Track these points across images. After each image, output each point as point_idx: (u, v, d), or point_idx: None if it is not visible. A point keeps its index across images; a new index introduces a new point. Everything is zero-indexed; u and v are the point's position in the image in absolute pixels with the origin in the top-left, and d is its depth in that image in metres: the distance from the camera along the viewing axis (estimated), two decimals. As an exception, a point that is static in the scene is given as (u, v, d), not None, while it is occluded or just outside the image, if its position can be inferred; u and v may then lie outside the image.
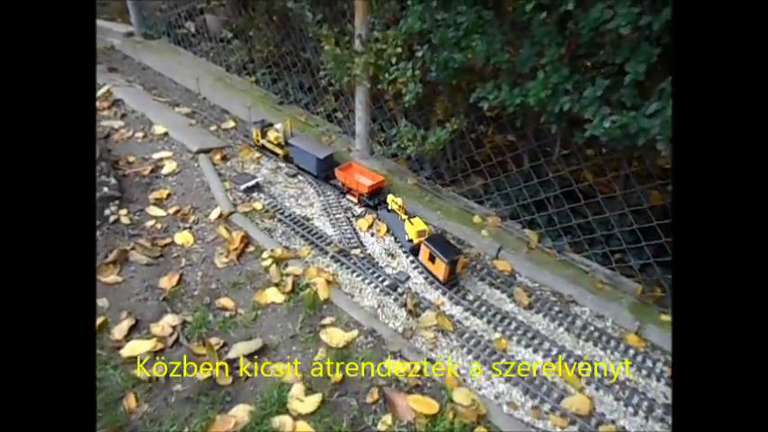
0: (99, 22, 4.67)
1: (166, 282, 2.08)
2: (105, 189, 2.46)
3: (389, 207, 2.46)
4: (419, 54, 1.89)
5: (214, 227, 2.44)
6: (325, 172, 2.78)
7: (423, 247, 2.15)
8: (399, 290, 2.14)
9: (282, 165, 3.00)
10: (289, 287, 2.07)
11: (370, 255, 2.34)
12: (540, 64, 1.69)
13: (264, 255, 2.25)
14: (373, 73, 2.37)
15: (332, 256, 2.30)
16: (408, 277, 2.20)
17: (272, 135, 2.97)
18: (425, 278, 2.21)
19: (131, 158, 2.92)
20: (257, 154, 3.09)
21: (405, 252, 2.35)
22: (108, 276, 2.05)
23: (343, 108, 3.21)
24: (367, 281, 2.18)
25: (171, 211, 2.52)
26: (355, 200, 2.64)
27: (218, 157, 3.01)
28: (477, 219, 2.48)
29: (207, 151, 3.05)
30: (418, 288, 2.17)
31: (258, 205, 2.60)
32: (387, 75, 2.22)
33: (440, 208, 2.57)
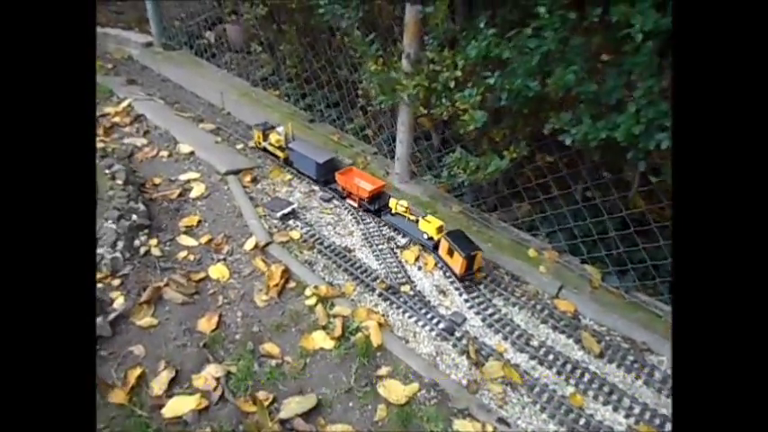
0: (116, 31, 4.53)
1: (205, 324, 1.90)
2: (134, 217, 2.29)
3: (393, 211, 2.45)
4: (490, 81, 1.73)
5: (250, 258, 2.27)
6: (325, 176, 2.74)
7: (443, 241, 2.18)
8: (457, 333, 1.96)
9: (316, 188, 2.83)
10: (338, 331, 1.89)
11: (420, 292, 2.16)
12: (629, 96, 1.53)
13: (307, 292, 2.08)
14: (424, 96, 2.21)
15: (380, 294, 2.13)
16: (465, 319, 2.03)
17: (273, 138, 2.92)
18: (483, 320, 2.04)
19: (157, 180, 2.76)
20: (289, 175, 2.93)
21: (457, 289, 2.18)
22: (142, 319, 1.87)
23: (372, 125, 3.04)
24: (420, 323, 2.00)
25: (203, 240, 2.35)
26: (356, 204, 2.60)
27: (247, 178, 2.84)
28: (532, 252, 2.31)
29: (236, 172, 2.88)
30: (476, 331, 1.99)
31: (295, 234, 2.42)
32: (443, 100, 2.06)
33: (490, 240, 2.40)
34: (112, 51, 4.47)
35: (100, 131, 3.13)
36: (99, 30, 4.53)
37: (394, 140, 2.89)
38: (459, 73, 1.98)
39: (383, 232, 2.51)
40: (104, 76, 3.96)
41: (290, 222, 2.53)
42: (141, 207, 2.38)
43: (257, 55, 3.51)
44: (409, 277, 2.24)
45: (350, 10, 2.10)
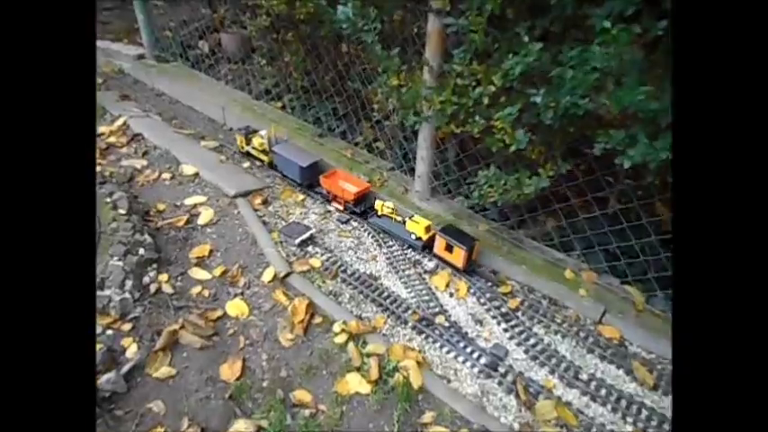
0: (105, 44, 4.32)
1: (228, 371, 1.74)
2: (141, 251, 2.11)
3: (380, 213, 2.46)
4: (536, 99, 1.58)
5: (269, 291, 2.11)
6: (309, 180, 2.75)
7: (438, 238, 2.21)
8: (500, 369, 1.82)
9: (331, 208, 2.67)
10: (374, 373, 1.74)
11: (455, 322, 2.02)
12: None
13: (336, 328, 1.92)
14: (451, 112, 2.06)
15: (413, 327, 1.98)
16: (507, 352, 1.89)
17: (256, 141, 2.89)
18: (525, 352, 1.90)
19: (161, 206, 2.57)
20: (301, 195, 2.76)
21: (494, 318, 2.04)
22: (159, 370, 1.70)
23: (382, 138, 2.89)
24: (461, 358, 1.86)
25: (217, 272, 2.17)
26: (341, 207, 2.60)
27: (258, 200, 2.67)
28: (569, 273, 2.18)
29: (245, 194, 2.71)
30: (521, 365, 1.85)
31: (316, 262, 2.26)
32: (477, 117, 1.91)
33: (524, 261, 2.26)
34: (102, 65, 4.25)
35: (95, 155, 2.93)
36: (86, 42, 4.31)
37: (406, 154, 2.75)
38: (492, 88, 1.84)
39: (408, 256, 2.36)
40: (96, 92, 3.75)
41: (309, 249, 2.36)
42: (148, 239, 2.20)
43: (259, 67, 3.33)
44: (442, 306, 2.09)
45: (370, 22, 1.94)
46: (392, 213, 2.42)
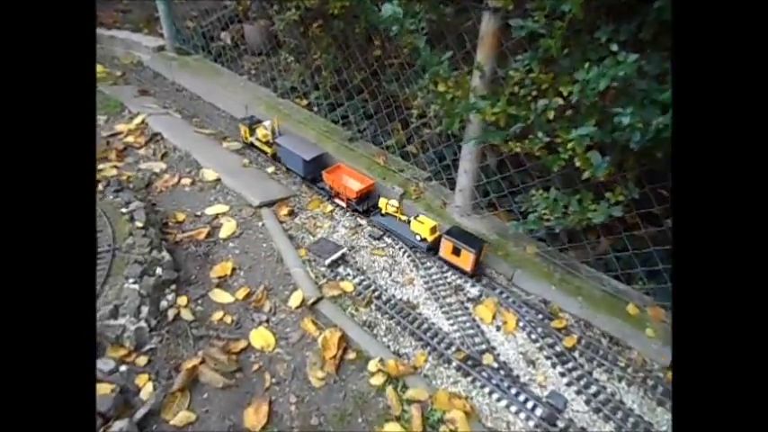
0: (125, 34, 4.14)
1: (253, 417, 1.55)
2: (159, 270, 1.93)
3: (383, 211, 2.37)
4: (623, 119, 1.33)
5: (297, 319, 1.91)
6: (313, 174, 2.63)
7: (444, 241, 2.11)
8: (560, 423, 1.60)
9: (363, 222, 2.45)
10: (416, 424, 1.54)
11: (505, 363, 1.80)
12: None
13: (371, 366, 1.72)
14: (506, 124, 1.82)
15: (458, 367, 1.76)
16: (566, 402, 1.67)
17: (260, 133, 2.82)
18: (587, 402, 1.67)
19: (181, 216, 2.39)
20: (330, 206, 2.55)
21: (548, 358, 1.82)
22: (176, 415, 1.52)
23: (418, 143, 2.65)
24: (513, 408, 1.64)
25: (240, 294, 1.99)
26: (344, 204, 2.49)
27: (284, 211, 2.47)
28: (632, 309, 1.93)
29: (270, 204, 2.51)
30: (582, 419, 1.63)
31: (348, 286, 2.06)
32: (539, 133, 1.67)
33: (579, 291, 2.02)
34: (121, 56, 4.08)
35: (112, 155, 2.76)
36: (105, 32, 4.15)
37: (440, 160, 2.52)
38: (560, 101, 1.59)
39: (448, 279, 2.14)
40: (113, 86, 3.58)
41: (340, 269, 2.15)
42: (166, 256, 2.02)
43: (286, 63, 3.10)
44: (489, 341, 1.87)
45: (417, 22, 1.69)
46: (396, 212, 2.32)
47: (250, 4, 4.22)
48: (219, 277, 2.06)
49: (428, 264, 2.21)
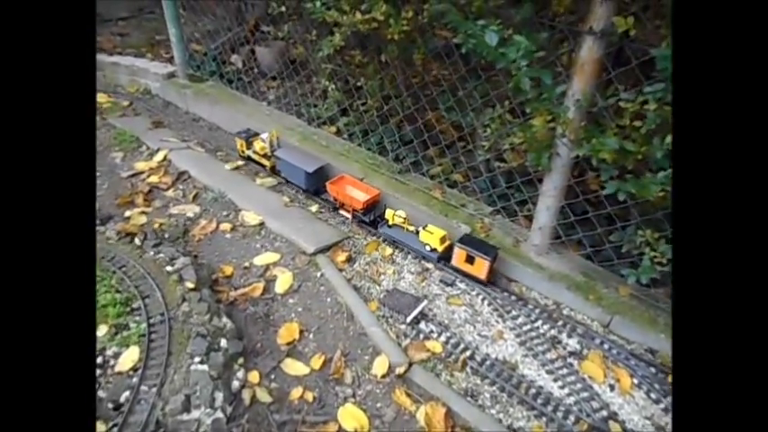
0: (128, 60, 3.84)
1: None
2: (223, 343, 1.66)
3: (390, 222, 2.30)
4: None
5: (387, 390, 1.67)
6: (315, 186, 2.58)
7: (457, 250, 2.07)
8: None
9: (429, 265, 2.23)
10: None
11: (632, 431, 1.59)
12: None
13: (487, 448, 1.49)
14: (613, 161, 1.64)
15: (583, 441, 1.55)
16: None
17: (257, 146, 2.75)
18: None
19: (228, 269, 2.13)
20: (388, 249, 2.32)
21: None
22: None
23: (477, 174, 2.45)
24: (659, 490, 1.43)
25: (315, 363, 1.74)
26: (349, 216, 2.43)
27: (341, 257, 2.23)
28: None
29: (325, 249, 2.26)
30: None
31: (436, 346, 1.83)
32: (662, 175, 1.48)
33: (690, 338, 1.83)
34: (125, 84, 3.78)
35: (138, 199, 2.48)
36: (106, 58, 3.85)
37: (492, 186, 2.32)
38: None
39: (539, 329, 1.93)
40: (123, 118, 3.29)
41: (421, 325, 1.92)
42: (228, 323, 1.75)
43: (323, 89, 2.87)
44: (608, 405, 1.66)
45: (516, 52, 1.50)
46: (404, 223, 2.26)
47: (257, 24, 4.00)
48: (288, 343, 1.81)
49: (513, 311, 2.00)
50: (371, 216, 2.38)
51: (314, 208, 2.56)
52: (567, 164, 1.89)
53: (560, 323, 1.96)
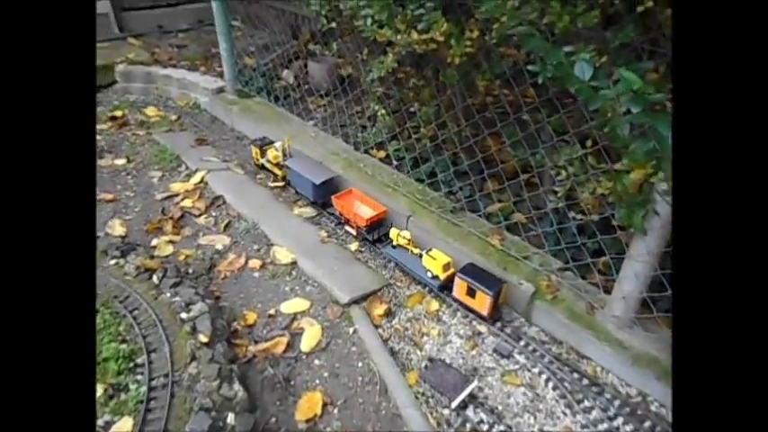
0: (180, 73, 3.80)
1: None
2: (230, 418, 1.41)
3: (394, 243, 2.16)
4: None
5: (422, 499, 1.33)
6: (324, 199, 2.46)
7: (458, 280, 1.90)
8: None
9: (482, 329, 1.88)
10: None
11: None
12: None
13: None
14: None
15: None
16: None
17: (271, 154, 2.70)
18: None
19: (251, 316, 1.89)
20: (434, 302, 2.00)
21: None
22: None
23: (522, 206, 2.07)
24: None
25: (338, 451, 1.44)
26: (354, 232, 2.31)
27: (378, 310, 1.93)
28: None
29: (361, 299, 1.98)
30: None
31: (486, 443, 1.48)
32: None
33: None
34: (176, 98, 3.73)
35: (168, 226, 2.31)
36: (160, 71, 3.82)
37: (563, 237, 1.92)
38: None
39: (618, 430, 1.53)
40: (168, 134, 3.19)
41: (469, 411, 1.58)
42: (240, 392, 1.49)
43: (373, 114, 2.61)
44: None
45: (622, 91, 1.14)
46: (408, 244, 2.11)
47: (311, 38, 3.83)
48: (307, 420, 1.52)
49: (585, 400, 1.61)
50: (376, 234, 2.26)
51: (353, 246, 2.29)
52: (666, 225, 1.49)
53: (647, 424, 1.54)
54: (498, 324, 1.89)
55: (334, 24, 2.38)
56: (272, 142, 2.75)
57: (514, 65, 1.94)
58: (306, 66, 3.73)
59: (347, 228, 2.34)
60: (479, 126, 2.09)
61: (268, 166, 2.75)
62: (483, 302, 1.84)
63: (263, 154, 2.76)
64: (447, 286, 1.98)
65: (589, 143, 1.66)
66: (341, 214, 2.35)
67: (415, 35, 1.77)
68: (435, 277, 1.99)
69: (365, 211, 2.27)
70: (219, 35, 3.24)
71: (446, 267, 1.97)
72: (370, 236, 2.25)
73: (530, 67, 1.52)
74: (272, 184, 2.69)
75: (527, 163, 2.02)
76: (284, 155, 2.66)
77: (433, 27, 1.72)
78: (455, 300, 1.96)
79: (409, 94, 2.30)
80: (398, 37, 1.91)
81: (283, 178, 2.68)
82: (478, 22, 1.78)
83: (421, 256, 2.04)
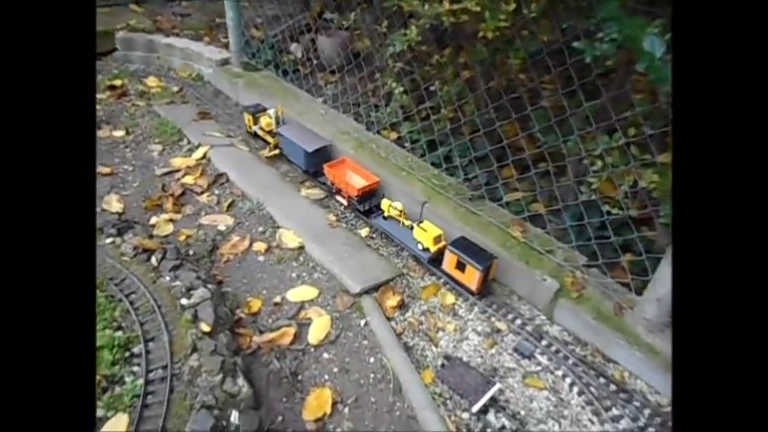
0: (184, 43, 3.60)
1: None
2: (234, 416, 1.29)
3: (386, 214, 2.11)
4: None
5: None
6: (316, 168, 2.40)
7: (448, 253, 1.85)
8: None
9: (501, 326, 1.77)
10: None
11: None
12: None
13: None
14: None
15: None
16: None
17: (264, 121, 2.63)
18: None
19: (255, 303, 1.77)
20: (450, 296, 1.88)
21: None
22: None
23: (538, 195, 1.94)
24: None
25: (348, 455, 1.33)
26: (345, 203, 2.26)
27: (391, 302, 1.81)
28: None
29: (372, 289, 1.85)
30: None
31: (508, 451, 1.37)
32: None
33: None
34: (178, 68, 3.55)
35: (168, 204, 2.17)
36: (162, 39, 3.62)
37: (592, 231, 1.80)
38: None
39: (642, 431, 1.43)
40: (169, 106, 3.03)
41: (489, 416, 1.47)
42: (244, 388, 1.38)
43: (385, 91, 2.45)
44: None
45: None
46: (400, 216, 2.06)
47: (321, 11, 3.63)
48: (316, 420, 1.41)
49: (613, 408, 1.51)
50: (367, 205, 2.21)
51: (363, 232, 2.16)
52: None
53: (433, 264, 1.47)
54: (518, 321, 1.78)
55: (352, -8, 2.21)
56: (265, 109, 2.68)
57: (545, 44, 1.78)
58: (314, 40, 3.55)
59: (338, 198, 2.30)
60: (505, 108, 1.94)
61: (260, 133, 2.68)
62: (472, 277, 1.79)
63: (255, 121, 2.69)
64: (437, 259, 1.93)
65: (632, 131, 1.52)
66: (332, 183, 2.29)
67: (447, 4, 1.61)
68: (426, 249, 1.95)
69: (357, 181, 2.21)
70: (227, 3, 3.05)
71: (437, 240, 1.93)
72: (362, 206, 2.20)
73: (575, 44, 1.38)
74: (265, 153, 2.61)
75: (553, 151, 1.89)
76: (277, 122, 2.60)
77: (468, -4, 1.56)
78: (444, 273, 1.91)
79: (430, 72, 2.14)
80: (426, 7, 1.74)
81: (276, 146, 2.60)
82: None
83: (412, 228, 2.00)
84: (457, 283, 1.87)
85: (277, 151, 2.61)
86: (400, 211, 2.06)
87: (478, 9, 1.55)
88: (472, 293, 1.84)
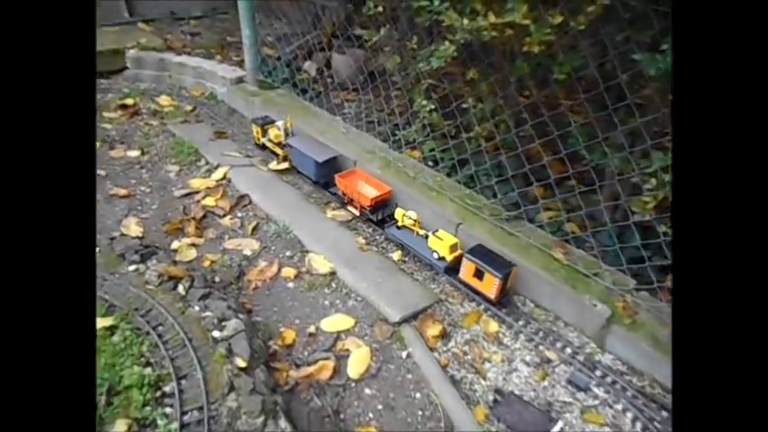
0: (196, 61, 3.54)
1: None
2: (280, 464, 1.17)
3: (399, 223, 2.09)
4: None
5: None
6: (326, 178, 2.39)
7: (465, 261, 1.81)
8: None
9: (551, 355, 1.66)
10: None
11: None
12: None
13: None
14: None
15: None
16: None
17: (272, 133, 2.60)
18: None
19: (288, 334, 1.65)
20: (493, 323, 1.77)
21: None
22: None
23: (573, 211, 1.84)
24: None
25: (403, 505, 1.20)
26: (357, 213, 2.24)
27: (432, 331, 1.70)
28: None
29: (412, 317, 1.75)
30: None
31: (577, 498, 1.25)
32: None
33: None
34: (190, 87, 3.48)
35: (190, 228, 2.07)
36: (174, 58, 3.57)
37: (645, 252, 1.70)
38: None
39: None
40: (184, 125, 2.95)
41: (552, 458, 1.35)
42: (288, 430, 1.26)
43: (412, 110, 2.38)
44: None
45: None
46: (414, 225, 2.04)
47: (335, 29, 3.59)
48: (365, 466, 1.29)
49: None
50: (380, 215, 2.20)
51: (396, 255, 2.06)
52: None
53: (449, 274, 1.39)
54: (568, 350, 1.67)
55: (380, 8, 2.14)
56: (273, 121, 2.64)
57: (594, 57, 1.72)
58: (329, 59, 3.50)
59: (349, 208, 2.26)
60: (543, 125, 1.86)
61: (269, 145, 2.65)
62: (491, 285, 1.76)
63: (264, 133, 2.65)
64: (454, 268, 1.89)
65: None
66: (344, 194, 2.27)
67: (492, 18, 1.54)
68: (442, 258, 1.91)
69: (369, 191, 2.18)
70: (242, 21, 3.00)
71: (453, 248, 1.90)
72: (374, 216, 2.18)
73: (635, 56, 1.31)
74: (274, 167, 2.55)
75: (593, 168, 1.80)
76: (286, 134, 2.56)
77: (517, 9, 1.49)
78: (461, 282, 1.88)
79: (462, 89, 2.07)
80: (465, 21, 1.68)
81: (285, 158, 2.57)
82: (559, 5, 1.55)
83: (427, 236, 1.97)
84: (475, 292, 1.83)
85: (287, 164, 2.55)
86: (414, 221, 2.03)
87: (527, 22, 1.49)
88: (491, 302, 1.80)
